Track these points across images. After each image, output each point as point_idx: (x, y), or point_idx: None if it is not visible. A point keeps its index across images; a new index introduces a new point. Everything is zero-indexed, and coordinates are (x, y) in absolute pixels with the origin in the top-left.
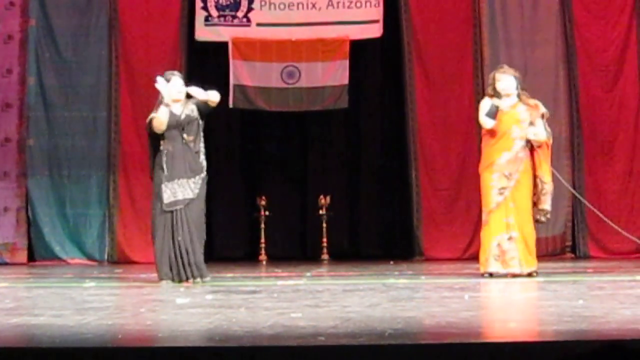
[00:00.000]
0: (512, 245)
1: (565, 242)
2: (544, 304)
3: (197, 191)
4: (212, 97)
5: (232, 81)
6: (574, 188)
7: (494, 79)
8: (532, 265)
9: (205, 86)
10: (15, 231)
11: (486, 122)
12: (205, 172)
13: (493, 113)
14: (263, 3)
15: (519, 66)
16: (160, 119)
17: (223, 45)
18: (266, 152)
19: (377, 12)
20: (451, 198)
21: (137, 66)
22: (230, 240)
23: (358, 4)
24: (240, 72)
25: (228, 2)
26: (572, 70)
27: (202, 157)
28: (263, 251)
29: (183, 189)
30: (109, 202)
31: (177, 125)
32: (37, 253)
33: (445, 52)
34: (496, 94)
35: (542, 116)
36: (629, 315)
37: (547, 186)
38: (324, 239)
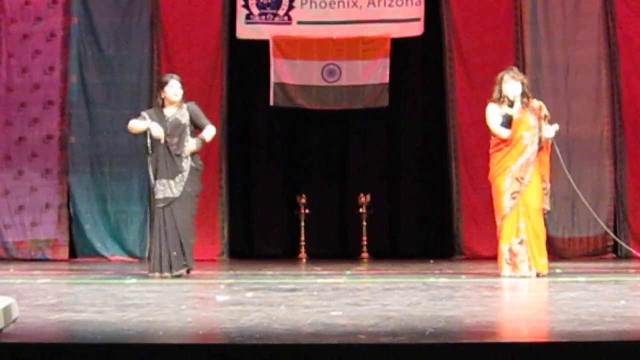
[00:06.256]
0: (522, 249)
1: (607, 242)
2: (585, 304)
3: (176, 191)
4: (208, 137)
5: (272, 79)
6: (616, 188)
7: (502, 80)
8: (543, 268)
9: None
10: (57, 228)
11: (502, 133)
12: (186, 172)
13: (507, 123)
14: (304, 1)
15: (561, 65)
16: (131, 124)
17: (264, 44)
18: (306, 150)
19: (419, 11)
20: (492, 197)
21: (179, 64)
22: (270, 238)
23: (399, 3)
24: (281, 70)
25: (269, 1)
26: (614, 70)
27: (186, 160)
28: (303, 249)
29: (164, 189)
30: (150, 199)
31: (163, 127)
32: (78, 250)
33: (486, 51)
34: (502, 97)
35: (545, 117)
36: None
37: (547, 186)
38: (364, 237)
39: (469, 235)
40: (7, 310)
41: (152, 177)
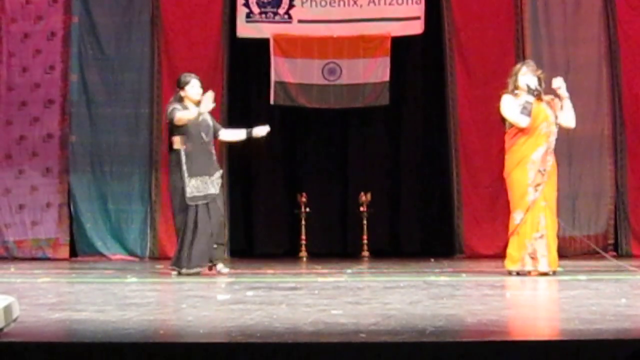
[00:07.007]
0: (542, 244)
1: (608, 241)
2: (586, 303)
3: (215, 189)
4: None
5: (273, 78)
6: (617, 186)
7: (519, 71)
8: (556, 264)
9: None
10: (58, 227)
11: (522, 121)
12: (221, 171)
13: (529, 110)
14: (304, 0)
15: (562, 63)
16: (181, 115)
17: (264, 42)
18: (307, 149)
19: (419, 9)
20: (492, 195)
21: (179, 63)
22: (271, 236)
23: (400, 1)
24: (281, 69)
25: None
26: (615, 68)
27: (215, 159)
28: (303, 248)
29: (205, 185)
30: (151, 198)
31: (196, 125)
32: (79, 249)
33: (486, 49)
34: (517, 90)
35: (557, 105)
36: None
37: None
38: (365, 236)
39: (470, 234)
40: (7, 309)
41: (185, 173)
